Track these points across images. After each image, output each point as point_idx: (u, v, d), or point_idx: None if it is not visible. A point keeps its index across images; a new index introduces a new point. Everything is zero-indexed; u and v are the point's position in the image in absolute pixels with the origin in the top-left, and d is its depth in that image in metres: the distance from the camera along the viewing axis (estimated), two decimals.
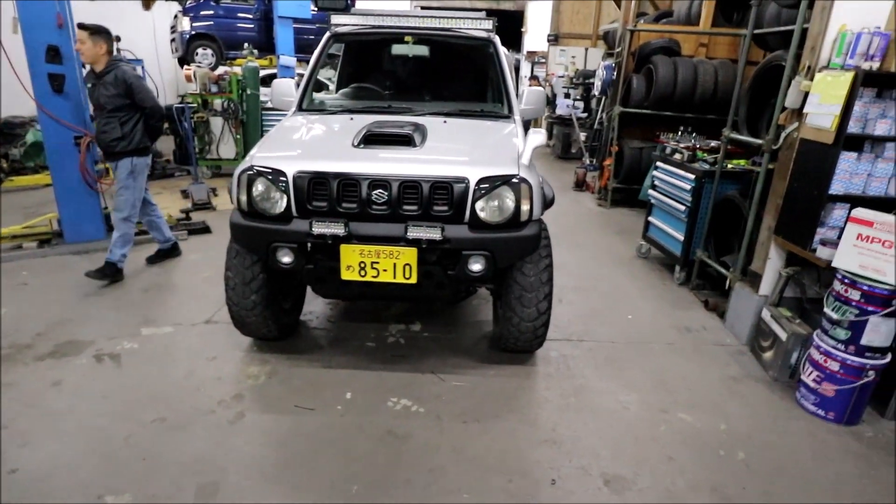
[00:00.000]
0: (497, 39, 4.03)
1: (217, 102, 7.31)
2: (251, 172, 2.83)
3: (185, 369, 3.23)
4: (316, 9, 10.07)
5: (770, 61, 3.94)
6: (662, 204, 4.94)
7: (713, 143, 5.36)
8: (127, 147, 4.17)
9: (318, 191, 2.78)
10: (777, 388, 3.29)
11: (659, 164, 5.03)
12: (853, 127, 3.03)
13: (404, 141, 2.98)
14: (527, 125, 3.77)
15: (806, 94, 3.28)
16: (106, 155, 4.30)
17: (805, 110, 3.26)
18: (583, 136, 9.58)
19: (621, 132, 6.95)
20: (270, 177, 2.80)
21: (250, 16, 10.06)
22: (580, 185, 8.28)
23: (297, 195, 2.78)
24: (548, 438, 2.78)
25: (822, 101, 3.13)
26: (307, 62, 10.98)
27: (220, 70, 7.29)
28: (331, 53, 4.31)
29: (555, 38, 12.69)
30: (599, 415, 2.99)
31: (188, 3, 9.65)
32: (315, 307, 4.04)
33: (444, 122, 3.41)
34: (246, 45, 8.02)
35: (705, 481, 2.53)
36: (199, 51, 8.84)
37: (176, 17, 9.97)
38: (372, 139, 2.99)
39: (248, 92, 7.40)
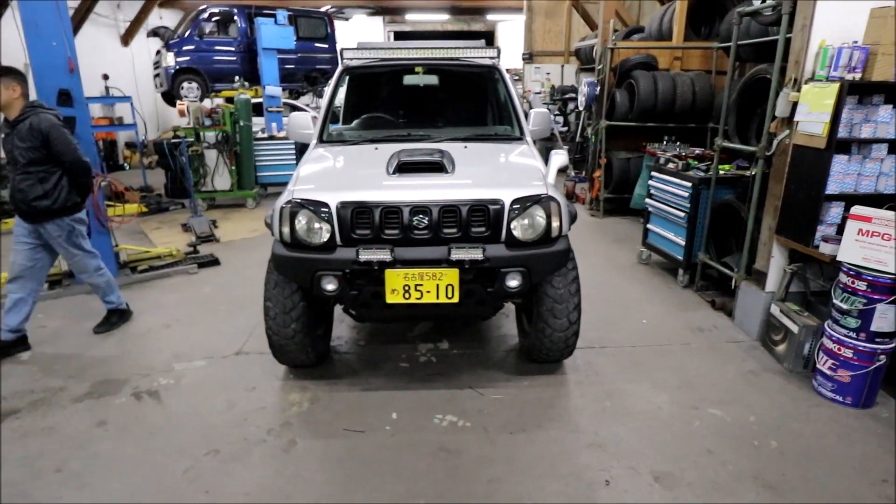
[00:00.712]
0: (502, 66, 4.24)
1: (210, 135, 7.35)
2: (294, 205, 2.94)
3: (226, 401, 3.27)
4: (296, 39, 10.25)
5: (755, 74, 4.24)
6: (661, 211, 5.19)
7: (697, 151, 5.69)
8: (52, 206, 3.63)
9: (362, 219, 2.89)
10: (793, 378, 3.50)
11: (654, 174, 5.28)
12: (842, 132, 3.30)
13: (436, 168, 3.13)
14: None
15: (794, 104, 3.56)
16: (26, 216, 3.66)
17: (796, 119, 3.53)
18: (565, 149, 9.89)
19: (608, 144, 7.25)
20: (312, 208, 2.91)
21: (233, 48, 10.16)
22: (570, 196, 8.54)
23: (340, 225, 2.89)
24: (592, 442, 2.91)
25: (811, 109, 3.40)
26: (289, 91, 11.17)
27: (213, 103, 7.35)
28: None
29: (529, 56, 13.11)
30: (635, 416, 3.13)
31: (171, 39, 9.71)
32: (342, 332, 4.11)
33: (465, 147, 3.57)
34: (237, 77, 8.11)
35: (746, 470, 2.69)
36: (185, 84, 8.88)
37: (159, 52, 10.01)
38: (405, 167, 3.13)
39: (241, 123, 7.47)
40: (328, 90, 4.11)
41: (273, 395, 3.33)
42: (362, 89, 4.46)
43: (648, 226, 5.45)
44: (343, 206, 2.90)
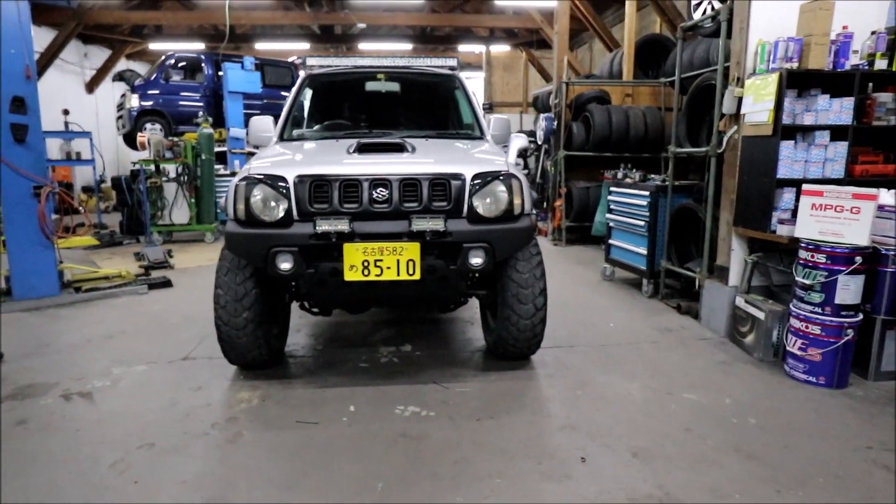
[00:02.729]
0: (461, 75, 4.35)
1: (171, 168, 7.21)
2: (249, 181, 2.82)
3: (167, 400, 2.98)
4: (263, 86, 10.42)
5: (701, 82, 4.46)
6: (622, 224, 5.25)
7: (654, 177, 5.86)
8: None
9: (320, 193, 2.80)
10: (765, 367, 3.44)
11: (613, 188, 5.40)
12: (785, 120, 3.45)
13: (397, 148, 3.09)
14: None
15: (739, 100, 3.73)
16: None
17: (742, 111, 3.69)
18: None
19: (567, 175, 7.43)
20: (270, 183, 2.80)
21: (198, 94, 10.24)
22: None
23: (298, 199, 2.78)
24: (565, 425, 2.75)
25: (755, 101, 3.57)
26: None
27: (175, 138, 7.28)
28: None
29: (489, 107, 13.66)
30: (609, 401, 2.99)
31: (137, 82, 9.73)
32: (298, 339, 3.89)
33: (427, 139, 3.57)
34: (201, 112, 8.10)
35: (727, 443, 2.56)
36: (148, 126, 8.79)
37: (124, 95, 9.98)
38: (366, 148, 3.08)
39: (203, 157, 7.38)
40: (291, 94, 4.11)
41: (220, 394, 3.06)
42: (325, 98, 4.47)
43: (610, 241, 5.49)
44: (301, 179, 2.80)
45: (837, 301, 3.04)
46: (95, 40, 12.31)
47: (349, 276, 2.79)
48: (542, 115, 7.78)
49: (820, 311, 3.10)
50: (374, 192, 2.81)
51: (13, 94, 4.23)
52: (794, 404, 2.96)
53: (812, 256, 3.10)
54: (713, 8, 4.26)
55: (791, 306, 3.28)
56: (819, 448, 2.52)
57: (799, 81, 3.50)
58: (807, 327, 3.15)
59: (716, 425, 2.73)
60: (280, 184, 2.81)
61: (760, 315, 3.52)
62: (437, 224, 2.76)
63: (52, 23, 10.91)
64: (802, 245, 3.17)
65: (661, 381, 3.24)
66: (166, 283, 5.22)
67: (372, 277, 2.79)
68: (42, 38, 9.82)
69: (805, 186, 3.19)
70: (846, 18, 3.54)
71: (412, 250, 2.79)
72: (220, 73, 9.68)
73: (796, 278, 3.21)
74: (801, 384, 3.18)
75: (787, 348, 3.28)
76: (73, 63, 11.28)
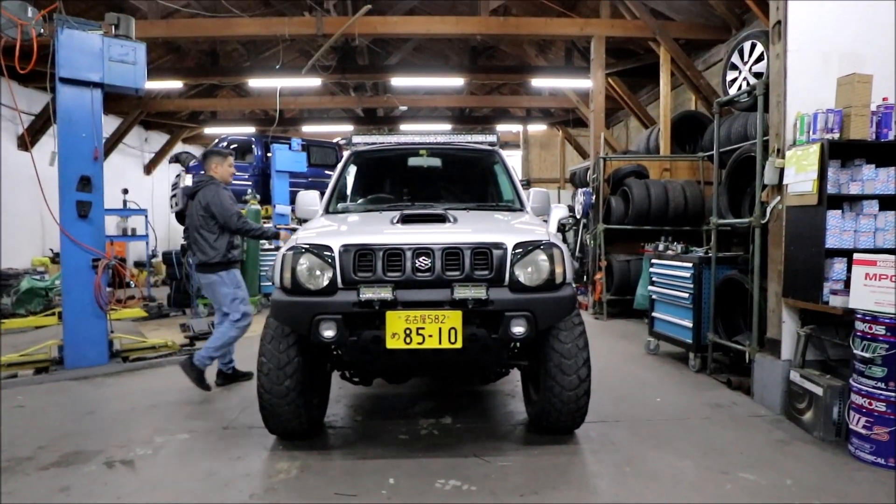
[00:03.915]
0: (501, 151, 4.53)
1: None
2: (296, 251, 2.94)
3: (207, 469, 2.97)
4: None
5: (741, 154, 4.50)
6: (665, 297, 5.15)
7: (695, 249, 5.80)
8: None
9: (364, 262, 2.88)
10: (828, 446, 3.21)
11: (655, 260, 5.35)
12: (830, 189, 3.42)
13: (439, 219, 3.20)
14: None
15: (781, 171, 3.74)
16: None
17: (785, 182, 3.69)
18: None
19: (607, 248, 7.42)
20: (315, 252, 2.91)
21: (247, 173, 10.87)
22: None
23: (342, 268, 2.86)
24: (614, 503, 2.60)
25: (797, 171, 3.57)
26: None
27: None
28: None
29: (527, 183, 13.99)
30: (659, 479, 2.83)
31: (192, 163, 10.44)
32: (337, 410, 3.86)
33: (468, 211, 3.68)
34: (249, 190, 8.57)
35: None
36: None
37: (179, 175, 10.68)
38: (409, 219, 3.20)
39: None
40: (336, 170, 4.34)
41: (259, 464, 3.04)
42: (369, 173, 4.69)
43: (654, 314, 5.37)
44: (346, 249, 2.90)
45: None
46: (155, 126, 13.45)
47: (391, 343, 2.81)
48: (580, 190, 7.92)
49: (883, 385, 2.91)
50: (416, 261, 2.88)
51: (81, 173, 4.59)
52: (862, 488, 2.73)
53: (870, 328, 2.97)
54: (748, 83, 4.37)
55: (851, 381, 3.11)
56: None
57: (841, 152, 3.50)
58: (870, 404, 2.96)
59: None
60: (325, 253, 2.92)
61: (818, 391, 3.33)
62: (479, 292, 2.79)
63: (119, 111, 12.01)
64: (858, 316, 3.04)
65: (715, 459, 3.06)
66: None
67: (414, 345, 2.80)
68: (109, 124, 10.80)
69: (857, 256, 3.11)
70: (885, 90, 3.57)
71: (454, 318, 2.80)
72: (269, 154, 10.28)
73: (854, 351, 3.06)
74: (869, 466, 2.94)
75: (851, 427, 3.07)
76: (134, 147, 12.30)
